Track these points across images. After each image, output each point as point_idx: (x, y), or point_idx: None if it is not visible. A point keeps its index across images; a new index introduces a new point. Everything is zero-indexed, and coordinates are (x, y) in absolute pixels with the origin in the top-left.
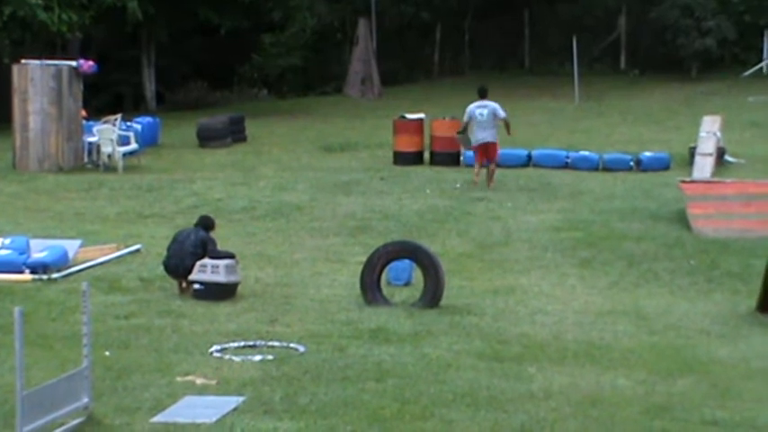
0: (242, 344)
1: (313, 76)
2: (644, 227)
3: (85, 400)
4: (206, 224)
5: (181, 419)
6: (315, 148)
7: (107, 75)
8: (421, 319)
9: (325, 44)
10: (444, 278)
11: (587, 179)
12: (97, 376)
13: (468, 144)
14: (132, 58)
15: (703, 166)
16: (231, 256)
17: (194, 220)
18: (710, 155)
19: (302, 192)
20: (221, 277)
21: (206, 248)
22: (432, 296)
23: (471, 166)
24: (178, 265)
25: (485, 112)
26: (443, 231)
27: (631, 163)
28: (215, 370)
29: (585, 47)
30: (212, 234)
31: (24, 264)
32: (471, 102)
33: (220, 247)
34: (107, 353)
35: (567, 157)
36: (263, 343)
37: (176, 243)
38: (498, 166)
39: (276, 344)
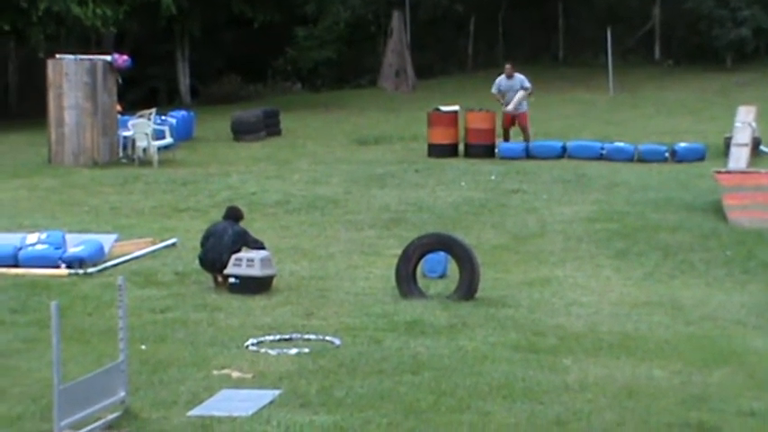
0: (278, 337)
1: (347, 69)
2: (679, 218)
3: (122, 394)
4: (236, 216)
5: (217, 413)
6: (349, 141)
7: (141, 69)
8: (456, 311)
9: (358, 37)
10: (479, 270)
11: (622, 170)
12: (133, 370)
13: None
14: (166, 53)
15: (739, 157)
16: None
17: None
18: (746, 145)
19: (337, 185)
20: (257, 271)
21: (244, 242)
22: (467, 288)
23: (506, 158)
24: (216, 260)
25: None
26: (478, 223)
27: (666, 154)
28: (251, 363)
29: (620, 38)
30: (242, 224)
31: (60, 258)
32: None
33: None
34: (143, 347)
35: (602, 149)
36: (298, 336)
37: (213, 238)
38: (533, 157)
39: (312, 337)
